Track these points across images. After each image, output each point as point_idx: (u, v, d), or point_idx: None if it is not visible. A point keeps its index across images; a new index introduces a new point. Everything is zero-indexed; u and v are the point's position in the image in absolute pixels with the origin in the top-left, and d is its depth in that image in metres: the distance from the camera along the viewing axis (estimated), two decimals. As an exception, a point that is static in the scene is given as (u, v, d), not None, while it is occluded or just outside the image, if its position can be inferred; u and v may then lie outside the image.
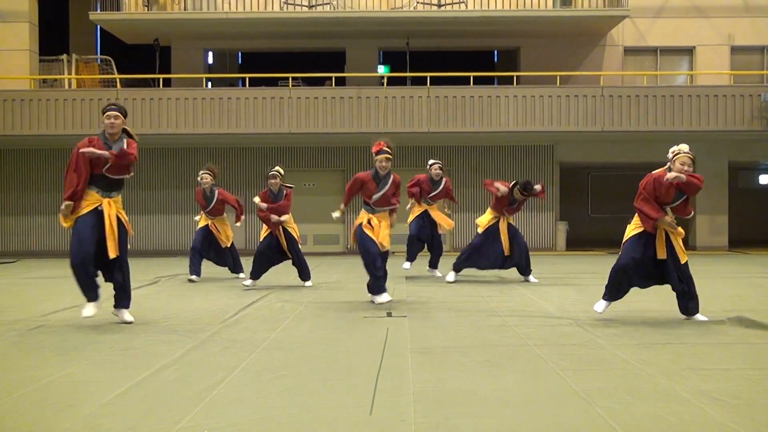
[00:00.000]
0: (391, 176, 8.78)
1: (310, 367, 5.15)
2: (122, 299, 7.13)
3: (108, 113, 7.03)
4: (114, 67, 19.66)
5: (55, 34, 21.96)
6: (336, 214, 9.37)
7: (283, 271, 13.16)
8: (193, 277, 11.53)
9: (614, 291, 7.24)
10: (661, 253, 6.99)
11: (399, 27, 19.77)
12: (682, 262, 7.03)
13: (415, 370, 5.02)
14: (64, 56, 19.59)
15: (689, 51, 20.91)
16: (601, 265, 12.60)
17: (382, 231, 8.73)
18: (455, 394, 4.40)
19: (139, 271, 11.92)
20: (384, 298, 8.46)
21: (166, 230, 19.06)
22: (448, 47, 22.11)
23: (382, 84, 18.64)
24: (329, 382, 4.73)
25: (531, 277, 10.87)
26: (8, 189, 19.20)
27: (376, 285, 8.56)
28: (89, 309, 6.90)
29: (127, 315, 7.13)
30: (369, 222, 8.89)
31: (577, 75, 19.63)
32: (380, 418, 3.93)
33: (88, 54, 21.21)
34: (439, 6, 19.62)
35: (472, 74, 18.02)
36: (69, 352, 5.71)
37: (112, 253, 6.85)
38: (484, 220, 11.05)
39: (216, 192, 11.79)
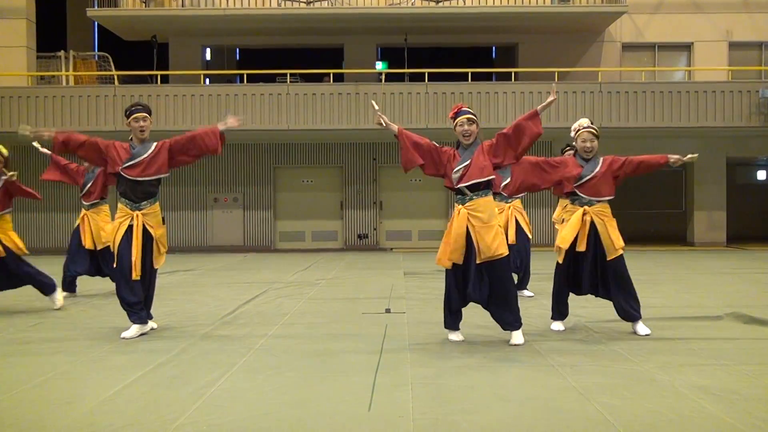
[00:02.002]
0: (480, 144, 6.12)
1: (308, 364, 5.16)
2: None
3: (136, 115, 6.39)
4: (111, 63, 19.63)
5: (52, 31, 21.91)
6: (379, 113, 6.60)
7: (283, 269, 13.21)
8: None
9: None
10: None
11: (397, 23, 19.75)
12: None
13: (413, 367, 5.02)
14: (62, 53, 19.56)
15: (687, 47, 20.90)
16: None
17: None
18: (454, 390, 4.41)
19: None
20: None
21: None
22: (446, 43, 22.10)
23: (380, 80, 18.62)
24: (328, 378, 4.73)
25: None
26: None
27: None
28: (133, 330, 6.23)
29: (150, 323, 6.52)
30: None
31: (575, 71, 19.61)
32: (379, 415, 3.93)
33: (85, 51, 21.18)
34: (437, 2, 19.60)
35: (470, 70, 18.00)
36: (67, 349, 5.71)
37: (135, 275, 6.23)
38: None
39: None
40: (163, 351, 5.60)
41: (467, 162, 5.90)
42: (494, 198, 8.25)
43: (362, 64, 20.41)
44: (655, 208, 21.48)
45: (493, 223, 5.79)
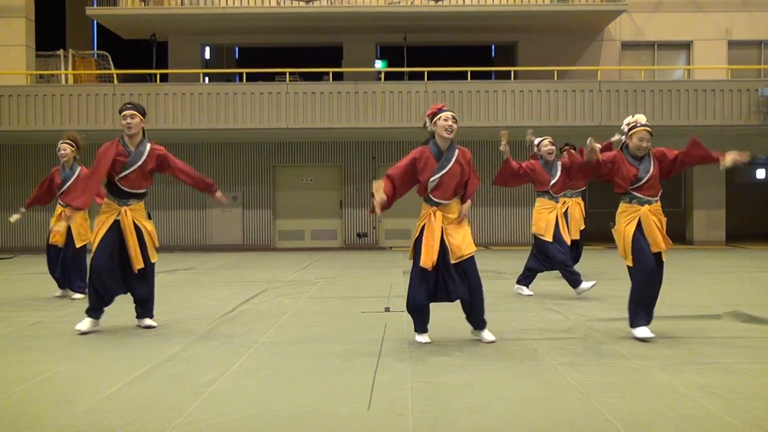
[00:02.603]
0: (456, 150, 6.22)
1: (307, 363, 5.16)
2: (145, 312, 6.66)
3: (124, 112, 6.45)
4: (111, 62, 19.62)
5: (51, 30, 21.90)
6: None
7: (282, 268, 13.20)
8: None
9: None
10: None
11: (396, 22, 19.74)
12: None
13: (412, 365, 5.02)
14: (61, 51, 19.54)
15: (686, 45, 20.91)
16: (597, 260, 12.64)
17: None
18: (453, 388, 4.41)
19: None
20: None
21: (163, 225, 19.04)
22: (445, 42, 22.09)
23: (380, 79, 18.61)
24: (327, 377, 4.74)
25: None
26: (5, 185, 19.17)
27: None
28: (85, 324, 6.38)
29: (149, 321, 6.65)
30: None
31: (574, 70, 19.61)
32: (378, 413, 3.93)
33: (84, 49, 21.17)
34: (437, 1, 19.59)
35: (469, 69, 17.99)
36: (67, 348, 5.72)
37: (137, 265, 6.40)
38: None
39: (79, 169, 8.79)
40: (163, 350, 5.60)
41: (444, 171, 5.99)
42: (543, 196, 8.48)
43: (361, 63, 20.41)
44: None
45: (463, 223, 5.90)
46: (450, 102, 17.42)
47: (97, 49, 22.07)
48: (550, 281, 10.32)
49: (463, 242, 5.79)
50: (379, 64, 21.04)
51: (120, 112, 6.54)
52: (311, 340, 6.00)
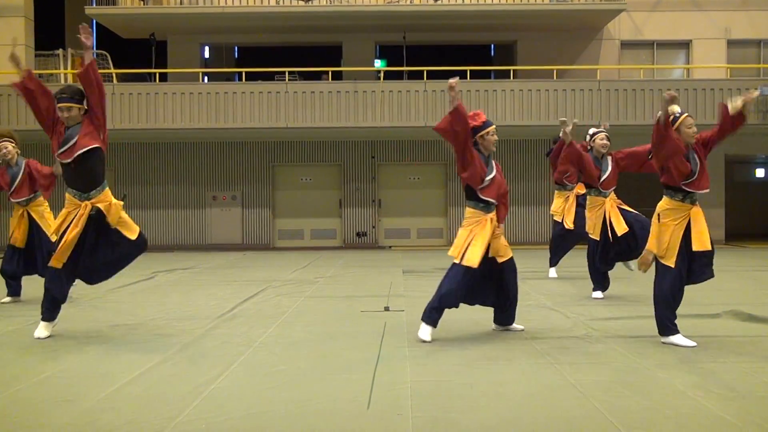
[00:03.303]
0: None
1: (307, 362, 5.16)
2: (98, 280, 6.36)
3: (59, 105, 6.14)
4: (110, 61, 19.60)
5: (50, 29, 21.87)
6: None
7: (282, 267, 13.21)
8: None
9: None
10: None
11: (396, 21, 19.74)
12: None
13: (412, 365, 5.03)
14: (60, 51, 19.53)
15: (686, 45, 20.91)
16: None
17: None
18: (453, 388, 4.41)
19: (135, 266, 11.88)
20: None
21: (162, 225, 19.04)
22: (444, 41, 22.09)
23: (379, 78, 18.60)
24: (327, 376, 4.74)
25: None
26: (4, 184, 19.17)
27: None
28: (43, 330, 6.10)
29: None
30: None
31: (573, 69, 19.61)
32: (378, 413, 3.94)
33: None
34: (436, 0, 19.60)
35: (468, 68, 17.98)
36: (66, 348, 5.71)
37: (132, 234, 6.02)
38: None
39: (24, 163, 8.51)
40: (162, 349, 5.60)
41: (492, 175, 6.08)
42: (590, 192, 8.31)
43: (361, 62, 20.41)
44: (652, 206, 21.44)
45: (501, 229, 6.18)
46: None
47: (96, 48, 22.01)
48: (551, 281, 10.32)
49: (506, 245, 6.12)
50: (378, 64, 21.04)
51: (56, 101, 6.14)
52: (310, 340, 6.00)
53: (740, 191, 22.01)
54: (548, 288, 9.35)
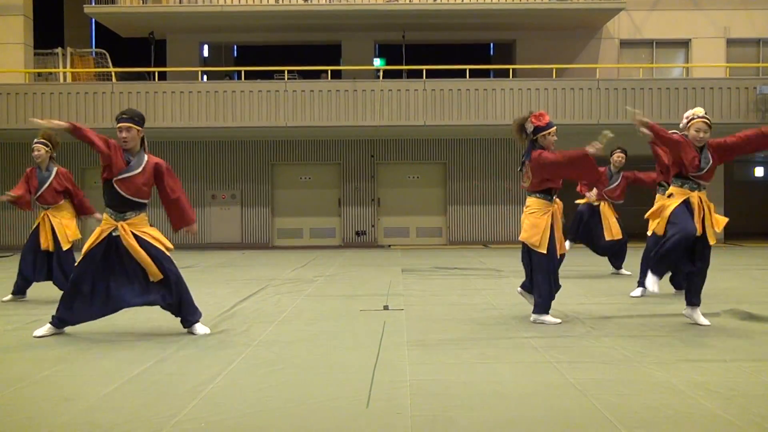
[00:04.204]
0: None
1: (306, 361, 5.16)
2: (188, 316, 6.26)
3: (119, 125, 5.99)
4: (109, 60, 19.61)
5: (49, 28, 21.88)
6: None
7: (281, 266, 13.21)
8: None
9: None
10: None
11: (395, 20, 19.74)
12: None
13: (411, 363, 5.03)
14: (59, 49, 19.53)
15: (685, 44, 20.92)
16: (596, 258, 12.61)
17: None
18: (452, 386, 4.41)
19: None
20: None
21: (161, 224, 19.02)
22: (443, 40, 22.09)
23: (378, 77, 18.61)
24: (326, 375, 4.74)
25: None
26: (3, 183, 19.13)
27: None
28: (44, 330, 6.15)
29: (200, 328, 6.25)
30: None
31: (572, 68, 19.62)
32: (377, 411, 3.93)
33: (83, 47, 21.14)
34: (435, -1, 19.60)
35: (467, 67, 17.99)
36: (65, 347, 5.71)
37: (154, 277, 6.10)
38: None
39: (55, 170, 8.39)
40: (162, 348, 5.60)
41: None
42: (659, 190, 8.44)
43: (360, 61, 20.40)
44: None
45: None
46: (448, 100, 17.43)
47: (96, 47, 22.05)
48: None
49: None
50: (377, 62, 21.03)
51: (116, 122, 6.09)
52: (310, 338, 6.00)
53: (740, 190, 22.02)
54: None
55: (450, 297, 8.53)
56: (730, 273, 11.19)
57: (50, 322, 6.17)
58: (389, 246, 18.89)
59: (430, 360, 5.14)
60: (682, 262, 6.53)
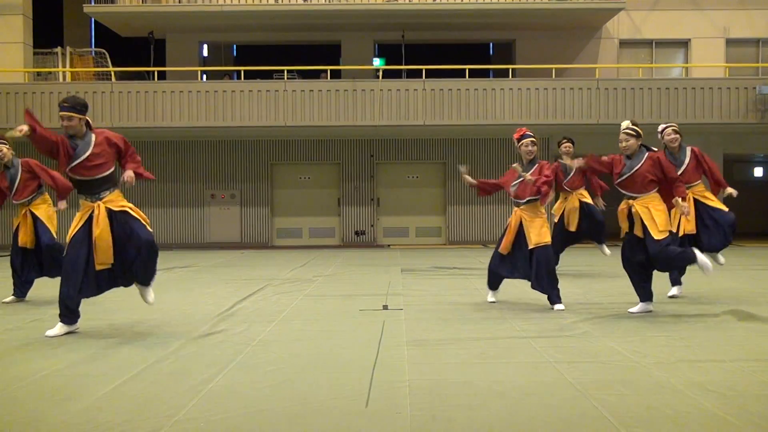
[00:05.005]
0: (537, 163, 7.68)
1: (305, 360, 5.16)
2: (145, 281, 6.26)
3: (60, 113, 6.19)
4: (108, 59, 19.60)
5: (49, 27, 21.86)
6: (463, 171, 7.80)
7: (280, 266, 13.21)
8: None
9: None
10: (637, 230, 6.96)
11: (394, 19, 19.74)
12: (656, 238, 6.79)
13: (411, 363, 5.03)
14: (59, 49, 19.52)
15: (684, 43, 20.92)
16: (595, 258, 12.62)
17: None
18: (451, 386, 4.41)
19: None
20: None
21: (160, 223, 19.03)
22: (443, 40, 22.09)
23: (378, 77, 18.61)
24: (325, 374, 4.74)
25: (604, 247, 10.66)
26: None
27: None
28: (56, 329, 6.16)
29: (149, 294, 6.30)
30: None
31: (572, 68, 19.62)
32: (376, 411, 3.93)
33: (82, 47, 21.14)
34: (435, -2, 19.60)
35: (467, 67, 18.00)
36: (65, 346, 5.71)
37: (100, 265, 6.08)
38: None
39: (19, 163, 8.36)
40: (161, 347, 5.60)
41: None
42: None
43: (359, 61, 20.40)
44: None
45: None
46: (448, 100, 17.44)
47: (95, 46, 22.04)
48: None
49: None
50: (377, 62, 21.03)
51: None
52: (309, 338, 6.00)
53: (739, 190, 21.94)
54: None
55: (449, 297, 8.53)
56: (730, 273, 11.19)
57: (61, 321, 6.17)
58: (388, 246, 18.89)
59: (430, 360, 5.14)
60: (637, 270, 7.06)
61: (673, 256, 6.82)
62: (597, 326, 6.43)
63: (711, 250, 7.99)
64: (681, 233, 7.89)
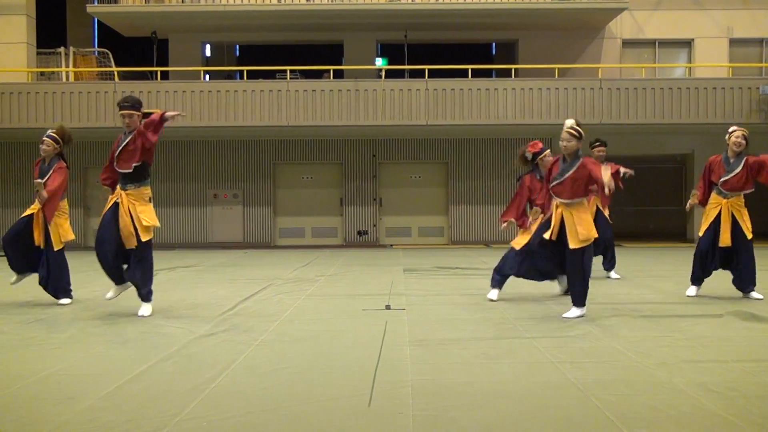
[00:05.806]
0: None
1: (308, 360, 5.16)
2: (142, 289, 7.23)
3: (121, 112, 7.26)
4: (112, 59, 19.63)
5: (52, 27, 21.90)
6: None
7: (283, 266, 13.22)
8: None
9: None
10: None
11: (397, 19, 19.74)
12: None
13: (413, 363, 5.03)
14: (62, 49, 19.55)
15: (688, 43, 20.90)
16: (595, 258, 12.60)
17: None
18: (453, 386, 4.41)
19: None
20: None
21: (163, 223, 19.03)
22: (446, 40, 22.09)
23: (380, 76, 18.61)
24: (328, 374, 4.74)
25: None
26: (6, 182, 19.18)
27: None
28: (111, 292, 7.31)
29: (144, 309, 7.20)
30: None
31: (575, 67, 19.61)
32: (378, 410, 3.94)
33: (85, 47, 21.18)
34: (437, -2, 19.61)
35: (470, 67, 17.99)
36: (67, 345, 5.72)
37: (127, 245, 7.08)
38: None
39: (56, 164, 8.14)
40: (164, 347, 5.61)
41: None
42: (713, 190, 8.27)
43: (362, 61, 20.41)
44: (654, 205, 21.48)
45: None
46: (450, 100, 17.43)
47: (98, 46, 22.06)
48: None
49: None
50: (379, 62, 21.03)
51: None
52: (312, 338, 6.01)
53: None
54: (547, 287, 9.33)
55: (452, 297, 8.53)
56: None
57: (115, 284, 7.25)
58: (391, 246, 18.89)
59: (432, 359, 5.14)
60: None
61: (576, 271, 6.79)
62: (599, 326, 6.43)
63: (741, 290, 8.09)
64: (720, 243, 7.89)
